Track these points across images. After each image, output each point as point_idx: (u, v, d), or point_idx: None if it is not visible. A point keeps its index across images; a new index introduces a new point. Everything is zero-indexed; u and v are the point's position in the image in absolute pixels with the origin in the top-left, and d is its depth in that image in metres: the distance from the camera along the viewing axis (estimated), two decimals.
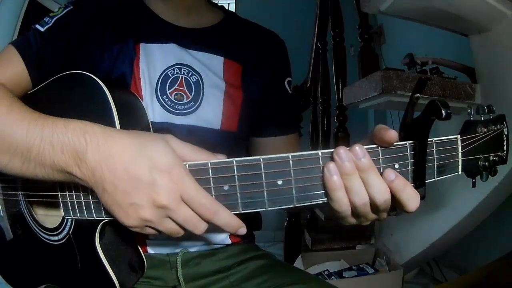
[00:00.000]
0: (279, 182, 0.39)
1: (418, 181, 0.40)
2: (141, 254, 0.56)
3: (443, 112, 0.35)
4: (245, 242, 0.70)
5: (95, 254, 0.48)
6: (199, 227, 0.40)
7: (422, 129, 0.38)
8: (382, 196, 0.38)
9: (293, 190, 0.39)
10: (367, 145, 0.40)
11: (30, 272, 0.59)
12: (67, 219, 0.51)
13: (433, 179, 0.41)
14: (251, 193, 0.39)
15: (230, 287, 0.61)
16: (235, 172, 0.39)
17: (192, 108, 0.61)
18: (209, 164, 0.40)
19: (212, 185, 0.40)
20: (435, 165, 0.41)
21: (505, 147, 0.44)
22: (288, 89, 0.73)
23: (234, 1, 3.23)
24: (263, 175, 0.39)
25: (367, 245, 1.70)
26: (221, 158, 0.41)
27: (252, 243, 0.73)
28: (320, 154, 0.39)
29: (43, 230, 0.56)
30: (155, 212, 0.39)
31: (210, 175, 0.40)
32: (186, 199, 0.39)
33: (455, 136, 0.42)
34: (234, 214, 0.41)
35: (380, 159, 0.40)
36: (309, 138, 2.09)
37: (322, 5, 2.00)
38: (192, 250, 0.63)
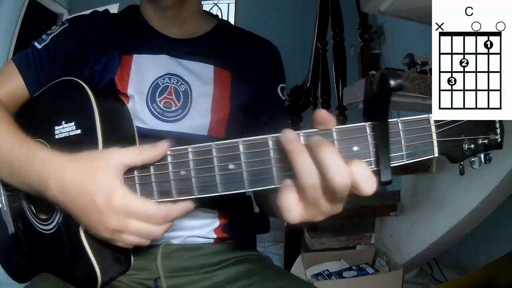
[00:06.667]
0: (231, 166, 0.40)
1: (382, 164, 0.36)
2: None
3: (392, 82, 0.34)
4: (235, 241, 0.67)
5: (79, 241, 0.50)
6: (154, 233, 0.45)
7: (380, 106, 0.35)
8: (341, 181, 0.33)
9: (244, 174, 0.40)
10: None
11: (29, 262, 0.60)
12: (57, 208, 0.53)
13: (402, 162, 0.37)
14: (205, 177, 0.41)
15: (213, 287, 0.60)
16: (190, 158, 0.42)
17: (180, 116, 0.63)
18: (168, 151, 0.43)
19: (170, 170, 0.43)
20: (403, 147, 0.37)
21: (498, 130, 0.38)
22: (281, 96, 0.73)
23: (234, 1, 3.23)
24: (215, 160, 0.40)
25: (367, 245, 1.69)
26: (163, 146, 0.43)
27: (243, 243, 0.69)
28: (269, 138, 0.39)
29: (38, 221, 0.57)
30: (112, 234, 0.45)
31: (169, 161, 0.43)
32: (134, 217, 0.43)
33: (426, 115, 0.38)
34: (190, 198, 0.43)
35: (335, 141, 0.37)
36: None
37: (322, 5, 2.00)
38: (174, 242, 0.62)
